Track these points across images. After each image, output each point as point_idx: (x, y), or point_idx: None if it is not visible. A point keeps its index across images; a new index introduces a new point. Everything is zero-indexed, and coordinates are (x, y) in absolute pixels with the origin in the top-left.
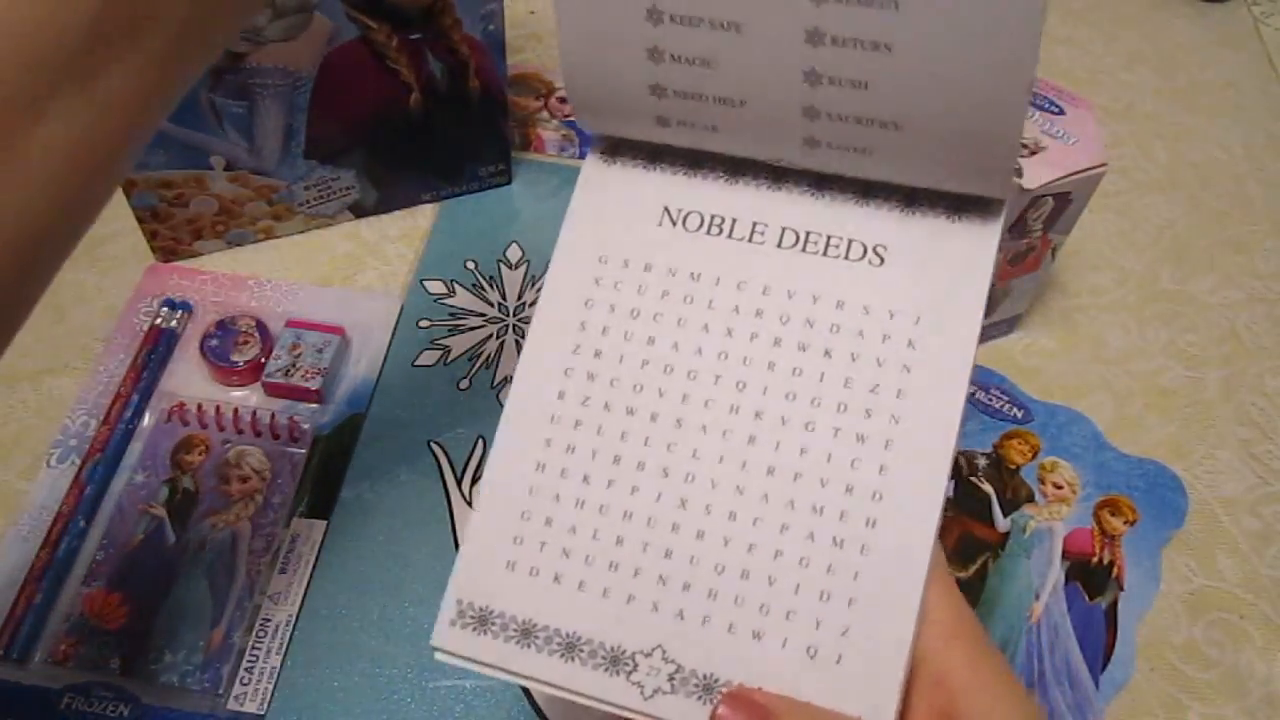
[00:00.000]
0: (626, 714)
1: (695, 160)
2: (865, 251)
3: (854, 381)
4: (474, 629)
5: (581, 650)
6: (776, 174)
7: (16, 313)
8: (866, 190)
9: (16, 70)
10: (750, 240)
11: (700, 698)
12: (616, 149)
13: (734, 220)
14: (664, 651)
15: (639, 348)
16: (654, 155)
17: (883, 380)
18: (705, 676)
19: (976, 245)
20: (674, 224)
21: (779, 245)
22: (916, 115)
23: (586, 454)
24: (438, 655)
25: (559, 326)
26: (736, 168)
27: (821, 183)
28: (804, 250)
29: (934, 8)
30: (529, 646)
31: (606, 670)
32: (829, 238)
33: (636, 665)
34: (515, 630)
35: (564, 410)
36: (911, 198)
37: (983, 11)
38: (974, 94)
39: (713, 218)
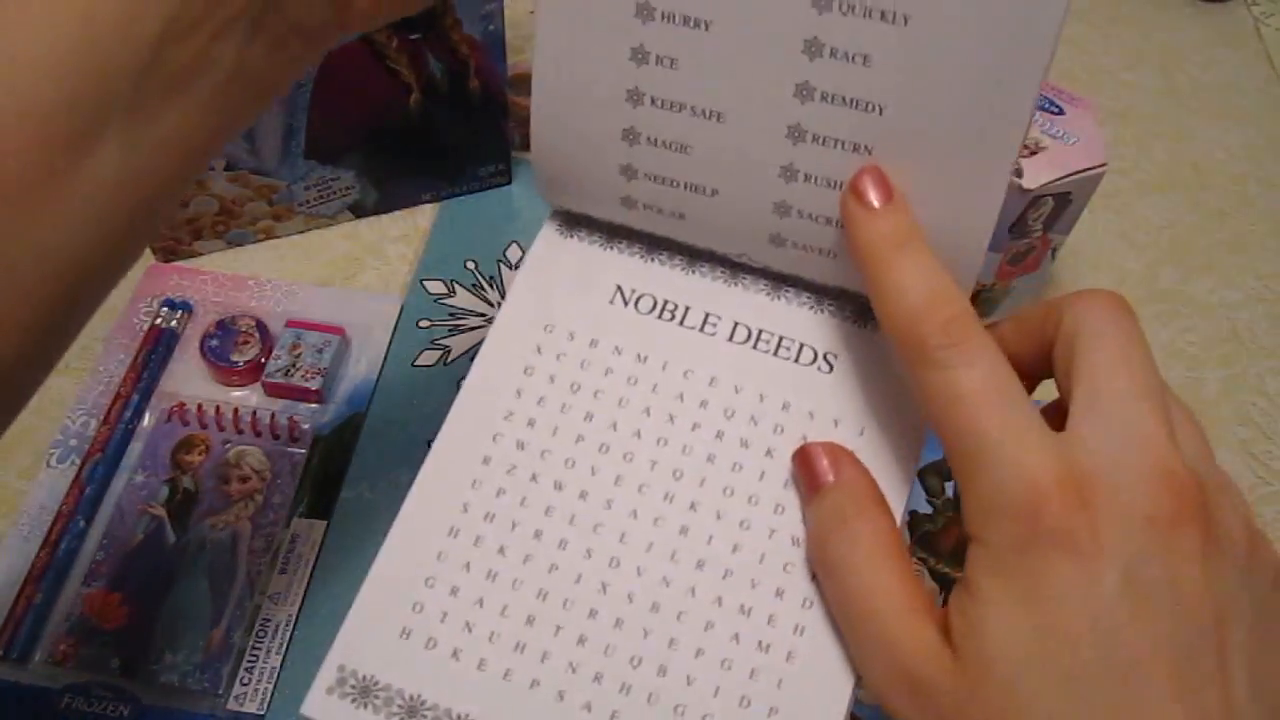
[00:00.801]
0: None
1: (653, 244)
2: (816, 357)
3: (793, 484)
4: (354, 700)
5: None
6: (733, 270)
7: (58, 346)
8: (820, 300)
9: (66, 107)
10: (701, 330)
11: None
12: (574, 223)
13: (687, 308)
14: None
15: (575, 422)
16: (611, 234)
17: None
18: None
19: None
20: (625, 303)
21: (730, 339)
22: None
23: (506, 525)
24: None
25: (493, 390)
26: (694, 258)
27: (777, 286)
28: (754, 347)
29: (920, 115)
30: None
31: None
32: (781, 338)
33: None
34: (400, 706)
35: (487, 476)
36: (864, 311)
37: (964, 126)
38: (946, 208)
39: (666, 302)
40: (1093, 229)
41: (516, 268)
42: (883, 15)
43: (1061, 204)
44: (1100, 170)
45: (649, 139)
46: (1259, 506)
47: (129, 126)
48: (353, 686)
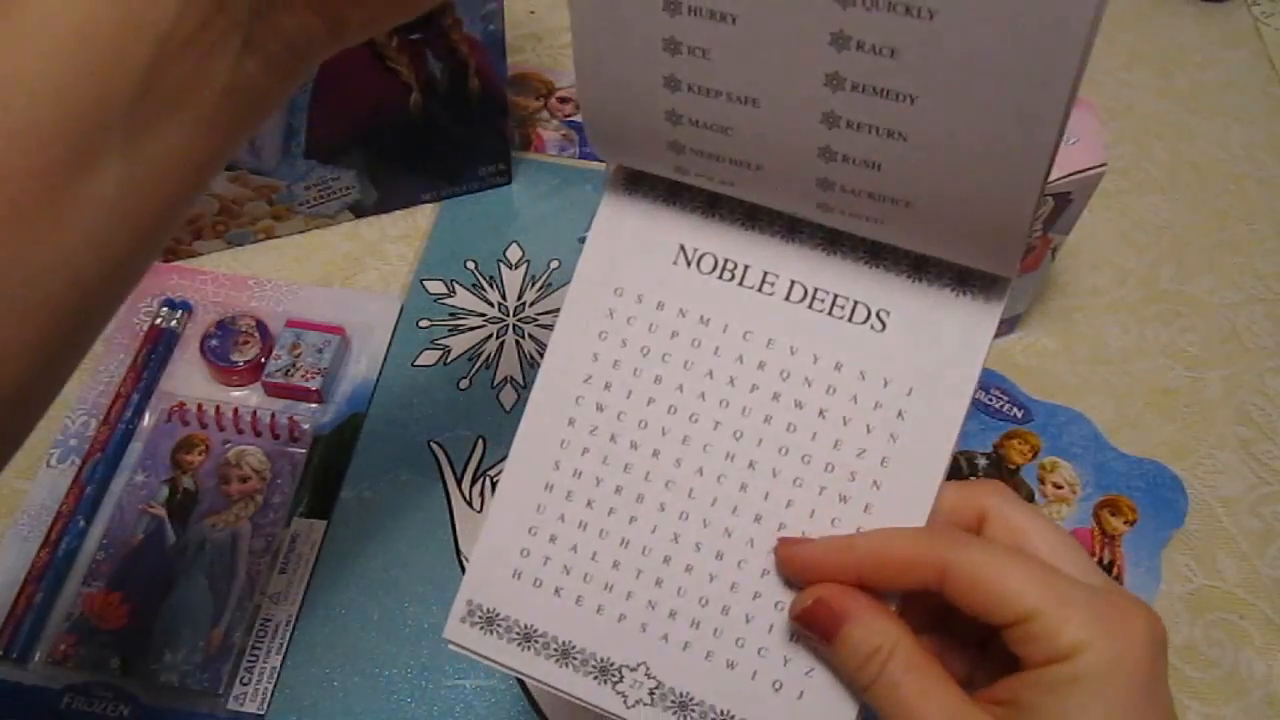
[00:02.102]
0: (612, 718)
1: (713, 200)
2: (869, 315)
3: (843, 444)
4: (481, 628)
5: (575, 658)
6: (791, 224)
7: (66, 366)
8: (876, 251)
9: (64, 127)
10: (760, 290)
11: (676, 713)
12: (637, 180)
13: (746, 267)
14: (647, 668)
15: (646, 385)
16: (673, 190)
17: (870, 446)
18: (682, 694)
19: (976, 324)
20: (689, 264)
21: (787, 298)
22: (928, 197)
23: (591, 480)
24: (450, 646)
25: (573, 355)
26: (753, 212)
27: (834, 239)
28: (810, 307)
29: (951, 108)
30: (529, 649)
31: (595, 678)
32: (835, 296)
33: (622, 677)
34: (517, 634)
35: (573, 436)
36: (920, 264)
37: (1002, 113)
38: (987, 185)
39: (726, 261)
40: (1093, 229)
41: (516, 267)
42: (908, 10)
43: (1061, 204)
44: (1100, 170)
45: (690, 120)
46: (1259, 506)
47: (128, 145)
48: (480, 617)
